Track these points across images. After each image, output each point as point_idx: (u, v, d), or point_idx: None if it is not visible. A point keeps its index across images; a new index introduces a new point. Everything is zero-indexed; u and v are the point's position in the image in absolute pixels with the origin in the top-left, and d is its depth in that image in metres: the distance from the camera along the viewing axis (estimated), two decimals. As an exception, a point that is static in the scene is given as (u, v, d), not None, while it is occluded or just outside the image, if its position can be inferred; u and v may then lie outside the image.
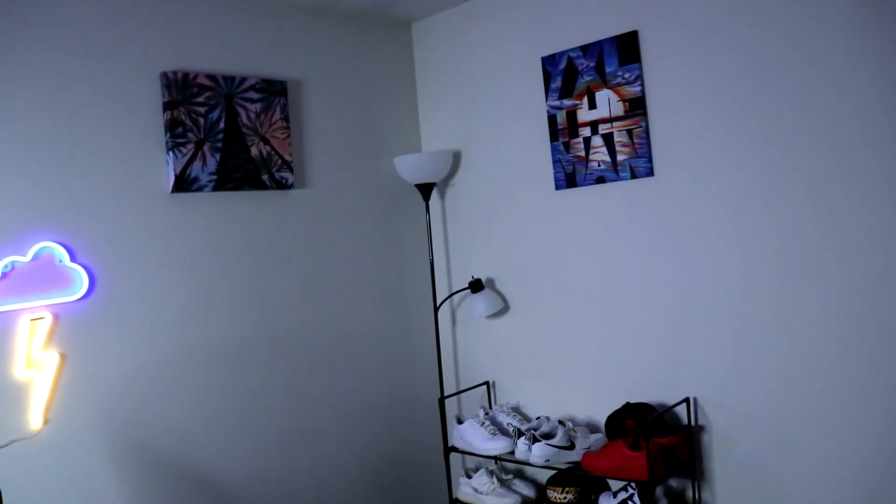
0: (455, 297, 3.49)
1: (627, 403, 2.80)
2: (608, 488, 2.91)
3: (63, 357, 2.48)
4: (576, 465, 2.77)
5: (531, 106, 3.13)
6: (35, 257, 2.43)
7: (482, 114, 3.33)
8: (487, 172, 3.33)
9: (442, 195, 3.52)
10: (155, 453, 2.67)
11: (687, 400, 2.72)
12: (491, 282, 3.34)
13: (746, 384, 2.60)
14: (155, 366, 2.69)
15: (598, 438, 2.86)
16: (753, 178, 2.53)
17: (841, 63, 2.32)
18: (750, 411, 2.59)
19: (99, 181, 2.58)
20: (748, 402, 2.59)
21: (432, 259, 3.38)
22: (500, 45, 3.24)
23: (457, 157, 3.43)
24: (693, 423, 2.73)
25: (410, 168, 3.29)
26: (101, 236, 2.58)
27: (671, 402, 2.77)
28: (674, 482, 2.81)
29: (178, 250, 2.76)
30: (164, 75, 2.71)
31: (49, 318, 2.45)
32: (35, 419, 2.41)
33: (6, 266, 2.37)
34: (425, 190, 3.33)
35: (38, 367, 2.43)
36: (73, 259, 2.51)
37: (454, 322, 3.53)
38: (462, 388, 3.45)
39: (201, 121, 2.78)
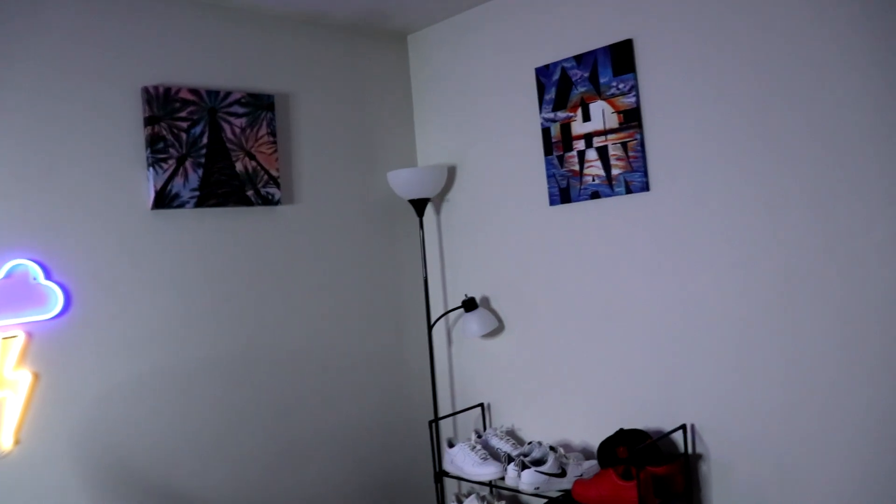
0: (451, 315, 3.39)
1: (621, 430, 2.67)
2: (603, 518, 2.78)
3: (36, 376, 2.44)
4: (567, 494, 2.65)
5: (525, 118, 3.04)
6: (8, 275, 2.39)
7: (477, 127, 3.24)
8: (483, 187, 3.24)
9: (437, 210, 3.44)
10: (132, 476, 2.61)
11: (684, 427, 2.59)
12: (486, 300, 3.24)
13: (747, 410, 2.46)
14: (133, 386, 2.63)
15: (591, 466, 2.74)
16: (753, 191, 2.41)
17: (843, 71, 2.19)
18: (751, 439, 2.46)
19: (76, 197, 2.54)
20: (749, 428, 2.46)
21: (426, 276, 3.29)
22: (495, 56, 3.15)
23: (452, 172, 3.35)
24: (690, 451, 2.59)
25: (404, 183, 3.21)
26: (77, 254, 2.54)
27: (668, 428, 2.64)
28: (670, 513, 2.67)
29: (158, 268, 2.71)
30: (146, 90, 2.67)
31: (22, 336, 2.41)
32: (6, 439, 2.37)
33: (-22, 284, 2.35)
34: (419, 205, 3.25)
35: (9, 386, 2.38)
36: (47, 277, 2.47)
37: (450, 342, 3.43)
38: (456, 410, 3.34)
39: (183, 136, 2.74)
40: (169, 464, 2.69)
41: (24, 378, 2.41)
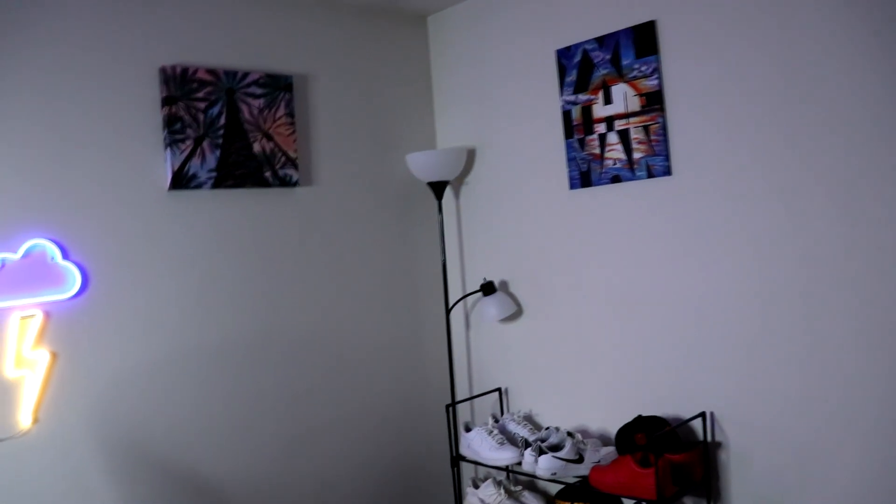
0: (469, 299, 3.37)
1: (639, 416, 2.64)
2: (620, 505, 2.77)
3: (54, 356, 2.45)
4: (584, 480, 2.63)
5: (546, 101, 2.99)
6: (26, 254, 2.40)
7: (497, 109, 3.20)
8: (502, 170, 3.20)
9: (456, 194, 3.41)
10: (149, 456, 2.62)
11: (703, 414, 2.55)
12: (504, 284, 3.21)
13: (767, 398, 2.42)
14: (150, 366, 2.64)
15: (608, 452, 2.71)
16: (776, 177, 2.35)
17: (867, 58, 2.14)
18: (771, 427, 2.42)
19: (93, 177, 2.54)
20: (769, 417, 2.42)
21: (445, 260, 3.27)
22: (515, 38, 3.11)
23: (471, 155, 3.31)
24: (709, 438, 2.56)
25: (423, 165, 3.18)
26: (95, 234, 2.54)
27: (687, 415, 2.60)
28: (688, 502, 2.64)
29: (175, 249, 2.71)
30: (163, 70, 2.65)
31: (40, 315, 2.42)
32: (24, 418, 2.38)
33: (-4, 263, 2.35)
34: (438, 188, 3.22)
35: (28, 365, 2.39)
36: (65, 257, 2.47)
37: (468, 326, 3.41)
38: (474, 395, 3.32)
39: (201, 116, 2.72)
40: (186, 445, 2.70)
41: (42, 357, 2.42)
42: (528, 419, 3.11)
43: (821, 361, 2.29)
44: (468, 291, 3.35)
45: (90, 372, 2.51)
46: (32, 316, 2.41)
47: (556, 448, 2.71)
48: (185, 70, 2.69)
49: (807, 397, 2.33)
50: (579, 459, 2.67)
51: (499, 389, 3.25)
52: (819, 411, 2.31)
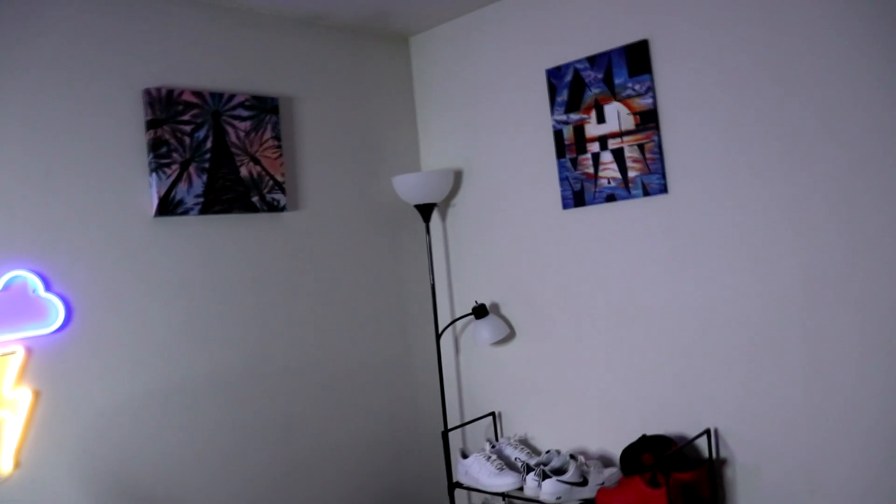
0: (458, 323, 3.31)
1: (644, 436, 2.61)
2: (624, 527, 2.73)
3: (36, 394, 2.30)
4: (589, 503, 2.59)
5: (536, 121, 2.98)
6: (6, 287, 2.26)
7: (485, 130, 3.18)
8: (491, 192, 3.17)
9: (443, 216, 3.36)
10: (138, 497, 2.48)
11: (707, 431, 2.54)
12: (496, 307, 3.17)
13: (771, 413, 2.42)
14: (138, 402, 2.51)
15: (612, 473, 2.68)
16: (774, 193, 2.37)
17: (861, 70, 2.18)
18: (776, 442, 2.42)
19: (76, 205, 2.41)
20: (774, 431, 2.42)
21: (433, 283, 3.21)
22: (502, 58, 3.09)
23: (458, 176, 3.27)
24: (715, 456, 2.55)
25: (409, 188, 3.12)
26: (78, 264, 2.41)
27: (690, 433, 2.59)
28: (695, 520, 2.62)
29: (162, 278, 2.59)
30: (148, 92, 2.55)
31: (21, 352, 2.27)
32: (5, 463, 2.22)
33: (-25, 297, 2.21)
34: (425, 211, 3.17)
35: (8, 406, 2.24)
36: (47, 289, 2.34)
37: (458, 350, 3.35)
38: (466, 420, 3.26)
39: (187, 140, 2.62)
40: (175, 482, 2.57)
41: (23, 396, 2.27)
42: (524, 443, 3.06)
43: (823, 375, 2.31)
44: (457, 314, 3.29)
45: (75, 410, 2.37)
46: (13, 353, 2.26)
47: (559, 471, 2.67)
48: (170, 92, 2.59)
49: (810, 410, 2.34)
50: (584, 482, 2.63)
51: (492, 414, 3.19)
52: (823, 424, 2.32)
